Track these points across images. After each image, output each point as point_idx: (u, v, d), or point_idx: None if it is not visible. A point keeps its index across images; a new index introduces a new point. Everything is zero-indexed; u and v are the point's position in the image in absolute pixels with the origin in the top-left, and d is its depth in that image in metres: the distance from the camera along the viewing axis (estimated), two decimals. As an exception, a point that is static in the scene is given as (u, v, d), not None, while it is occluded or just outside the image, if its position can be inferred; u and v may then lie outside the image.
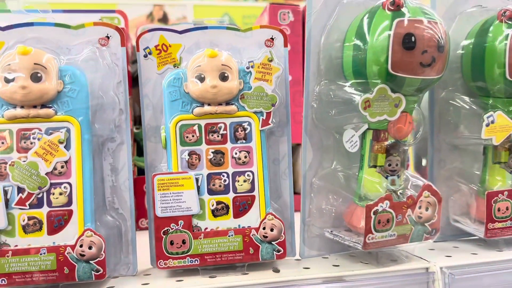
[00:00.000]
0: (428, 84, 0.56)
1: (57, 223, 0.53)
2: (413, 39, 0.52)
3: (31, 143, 0.53)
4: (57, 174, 0.53)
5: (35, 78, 0.52)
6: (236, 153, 0.58)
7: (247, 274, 0.57)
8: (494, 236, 0.63)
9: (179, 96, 0.58)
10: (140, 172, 0.89)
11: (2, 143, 0.53)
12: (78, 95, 0.54)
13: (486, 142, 0.63)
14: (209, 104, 0.58)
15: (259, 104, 0.58)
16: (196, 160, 0.57)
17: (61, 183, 0.53)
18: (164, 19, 3.28)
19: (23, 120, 0.53)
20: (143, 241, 0.61)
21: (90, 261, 0.52)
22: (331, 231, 0.62)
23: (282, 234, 0.57)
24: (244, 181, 0.58)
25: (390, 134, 0.58)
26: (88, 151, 0.54)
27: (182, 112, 0.58)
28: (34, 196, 0.52)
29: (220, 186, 0.58)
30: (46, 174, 0.53)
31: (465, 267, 0.60)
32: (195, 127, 0.58)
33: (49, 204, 0.53)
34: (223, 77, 0.57)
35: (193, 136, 0.58)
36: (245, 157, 0.58)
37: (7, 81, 0.51)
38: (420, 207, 0.59)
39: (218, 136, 0.58)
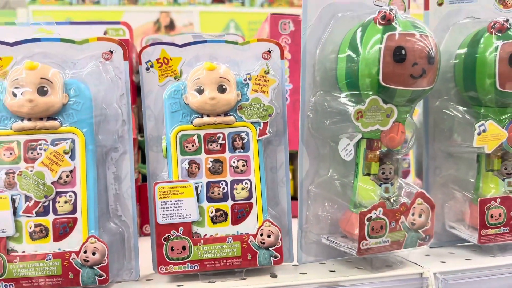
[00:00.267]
0: (420, 95, 0.58)
1: (62, 230, 0.55)
2: (403, 52, 0.54)
3: (38, 154, 0.55)
4: (62, 183, 0.55)
5: (42, 92, 0.54)
6: (234, 162, 0.60)
7: (245, 279, 0.59)
8: (488, 242, 0.65)
9: (179, 108, 0.60)
10: (144, 179, 0.91)
11: (11, 153, 0.55)
12: (82, 108, 0.56)
13: (479, 150, 0.64)
14: (208, 115, 0.60)
15: (256, 114, 0.60)
16: (195, 169, 0.60)
17: (66, 192, 0.55)
18: (171, 25, 3.32)
19: (30, 131, 0.55)
20: (147, 247, 0.63)
21: (94, 267, 0.54)
22: (328, 237, 0.64)
23: (279, 240, 0.59)
24: (242, 189, 0.60)
25: (383, 143, 0.59)
26: (92, 161, 0.56)
27: (182, 123, 0.60)
28: (40, 204, 0.55)
29: (219, 194, 0.60)
30: (52, 183, 0.55)
31: (458, 273, 0.62)
32: (195, 137, 0.60)
33: (55, 212, 0.55)
34: (221, 89, 0.59)
35: (192, 145, 0.60)
36: (243, 165, 0.60)
37: (15, 95, 0.54)
38: (413, 214, 0.60)
39: (217, 146, 0.60)
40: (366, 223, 0.58)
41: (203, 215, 0.59)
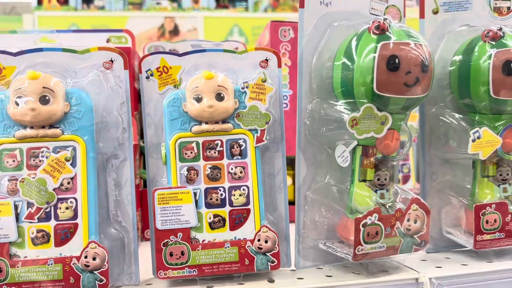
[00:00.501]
0: (414, 103, 0.59)
1: (64, 235, 0.56)
2: (397, 60, 0.55)
3: (40, 161, 0.57)
4: (63, 190, 0.57)
5: (44, 100, 0.56)
6: (232, 169, 0.61)
7: (243, 284, 0.60)
8: (483, 248, 0.66)
9: (178, 115, 0.61)
10: (146, 185, 0.93)
11: (13, 161, 0.56)
12: (83, 116, 0.58)
13: (474, 156, 0.65)
14: (206, 123, 0.61)
15: (253, 122, 0.62)
16: (194, 175, 0.61)
17: (68, 198, 0.57)
18: (175, 31, 3.34)
19: (33, 139, 0.56)
20: (148, 252, 0.64)
21: (94, 271, 0.55)
22: (325, 243, 0.65)
23: (276, 245, 0.60)
24: (240, 195, 0.61)
25: (378, 150, 0.60)
26: (93, 168, 0.58)
27: (181, 130, 0.61)
28: (42, 210, 0.56)
29: (217, 200, 0.61)
30: (54, 189, 0.56)
31: (454, 278, 0.62)
32: (193, 144, 0.61)
33: (56, 218, 0.56)
34: (219, 97, 0.60)
35: (191, 152, 0.61)
36: (241, 172, 0.61)
37: (18, 104, 0.55)
38: (408, 220, 0.61)
39: (215, 153, 0.61)
40: (362, 228, 0.58)
41: (202, 220, 0.60)
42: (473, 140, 0.63)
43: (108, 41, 0.96)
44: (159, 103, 0.63)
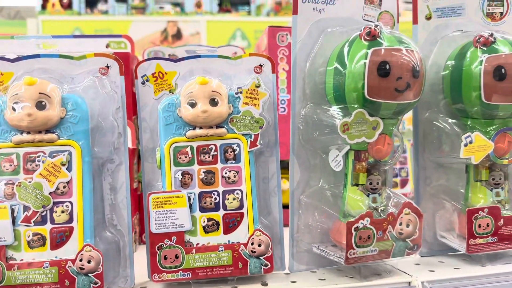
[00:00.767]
0: (405, 108, 0.59)
1: (59, 239, 0.57)
2: (387, 66, 0.56)
3: (36, 165, 0.58)
4: (59, 194, 0.58)
5: (40, 106, 0.57)
6: (226, 173, 0.62)
7: (236, 287, 0.61)
8: (476, 252, 0.66)
9: (173, 120, 0.62)
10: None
11: (10, 165, 0.57)
12: (79, 121, 0.59)
13: (467, 161, 0.65)
14: (200, 127, 0.62)
15: (247, 127, 0.62)
16: (188, 179, 0.62)
17: (63, 202, 0.58)
18: (178, 35, 3.36)
19: (29, 144, 0.57)
20: (145, 255, 0.64)
21: (89, 274, 0.56)
22: (318, 246, 0.65)
23: (270, 249, 0.61)
24: (234, 199, 0.62)
25: (370, 154, 0.61)
26: (88, 172, 0.59)
27: (175, 135, 0.62)
28: (38, 214, 0.57)
29: (211, 204, 0.61)
30: (50, 193, 0.57)
31: (446, 282, 0.63)
32: (188, 149, 0.62)
33: (52, 221, 0.57)
34: (213, 103, 0.61)
35: (185, 157, 0.62)
36: (235, 176, 0.62)
37: (15, 109, 0.57)
38: (400, 224, 0.62)
39: (209, 157, 0.62)
40: (354, 232, 0.59)
41: (196, 224, 0.61)
42: (465, 145, 0.64)
43: (107, 46, 0.97)
44: (155, 108, 0.64)
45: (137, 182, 0.90)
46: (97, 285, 0.56)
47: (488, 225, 0.66)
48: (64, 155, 0.58)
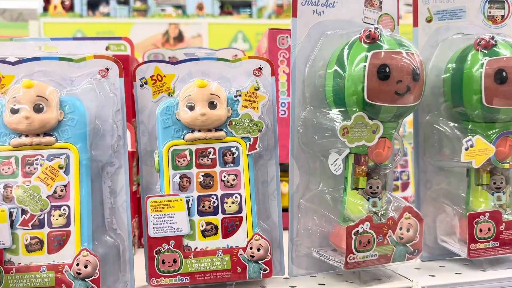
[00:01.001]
0: (405, 111, 0.59)
1: (57, 242, 0.57)
2: (387, 69, 0.56)
3: (34, 169, 0.57)
4: (57, 197, 0.57)
5: (38, 109, 0.57)
6: (224, 176, 0.62)
7: (235, 291, 0.60)
8: (477, 256, 0.65)
9: (171, 123, 0.62)
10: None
11: (9, 168, 0.57)
12: (77, 124, 0.58)
13: (467, 165, 0.65)
14: (199, 131, 0.62)
15: (246, 130, 0.62)
16: (187, 183, 0.61)
17: (61, 206, 0.57)
18: (180, 37, 3.36)
19: (27, 147, 0.57)
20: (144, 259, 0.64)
21: (86, 279, 0.56)
22: (318, 251, 0.65)
23: (269, 253, 0.60)
24: (232, 203, 0.61)
25: (370, 158, 0.60)
26: (86, 176, 0.58)
27: (174, 138, 0.62)
28: (36, 217, 0.57)
29: (209, 207, 0.61)
30: (47, 197, 0.57)
31: (447, 287, 0.62)
32: (186, 152, 0.61)
33: (50, 225, 0.57)
34: (212, 106, 0.61)
35: (184, 160, 0.61)
36: (233, 180, 0.62)
37: (13, 112, 0.56)
38: (401, 228, 0.61)
39: (207, 160, 0.62)
40: (353, 237, 0.59)
41: (194, 228, 0.60)
42: (466, 149, 0.63)
43: (107, 49, 0.97)
44: (153, 111, 0.64)
45: (137, 185, 0.90)
46: (95, 289, 0.56)
47: (489, 229, 0.65)
48: (61, 158, 0.58)
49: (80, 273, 0.55)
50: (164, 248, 0.59)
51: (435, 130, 0.70)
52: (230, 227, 0.61)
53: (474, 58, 0.63)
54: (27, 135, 0.57)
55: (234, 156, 0.62)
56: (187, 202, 0.60)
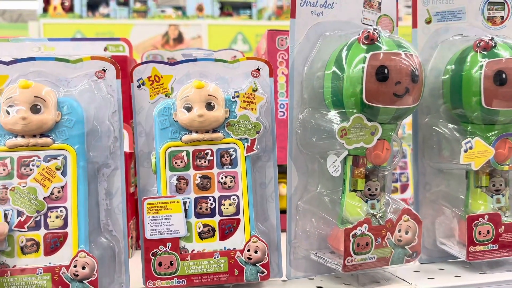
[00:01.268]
0: (404, 113, 0.59)
1: (53, 244, 0.56)
2: (386, 71, 0.55)
3: (31, 170, 0.57)
4: (53, 199, 0.57)
5: (35, 110, 0.56)
6: (222, 178, 0.61)
7: (232, 294, 0.60)
8: (476, 259, 0.65)
9: (169, 124, 0.61)
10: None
11: (4, 169, 0.57)
12: (74, 125, 0.58)
13: (467, 167, 0.65)
14: (197, 132, 0.61)
15: (244, 131, 0.62)
16: (184, 184, 0.61)
17: (58, 207, 0.57)
18: (179, 38, 3.36)
19: (24, 148, 0.57)
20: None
21: (83, 281, 0.55)
22: (316, 253, 0.64)
23: (266, 256, 0.60)
24: (230, 204, 0.61)
25: (369, 160, 0.60)
26: (83, 177, 0.58)
27: (171, 139, 0.61)
28: (32, 219, 0.56)
29: (206, 209, 0.61)
30: (44, 198, 0.57)
31: (445, 290, 0.62)
32: (184, 153, 0.61)
33: (46, 226, 0.56)
34: (210, 107, 0.60)
35: (181, 162, 0.61)
36: (231, 181, 0.61)
37: (9, 113, 0.56)
38: (399, 231, 0.61)
39: (205, 162, 0.61)
40: (351, 239, 0.58)
41: (191, 230, 0.60)
42: (465, 151, 0.63)
43: (105, 49, 0.97)
44: (150, 112, 0.63)
45: (134, 187, 0.90)
46: (91, 291, 0.56)
47: (488, 232, 0.65)
48: (59, 159, 0.57)
49: (77, 275, 0.55)
50: (160, 250, 0.59)
51: (434, 132, 0.69)
52: (228, 229, 0.61)
53: (473, 59, 0.62)
54: (23, 136, 0.57)
55: (232, 157, 0.62)
56: (184, 203, 0.60)
